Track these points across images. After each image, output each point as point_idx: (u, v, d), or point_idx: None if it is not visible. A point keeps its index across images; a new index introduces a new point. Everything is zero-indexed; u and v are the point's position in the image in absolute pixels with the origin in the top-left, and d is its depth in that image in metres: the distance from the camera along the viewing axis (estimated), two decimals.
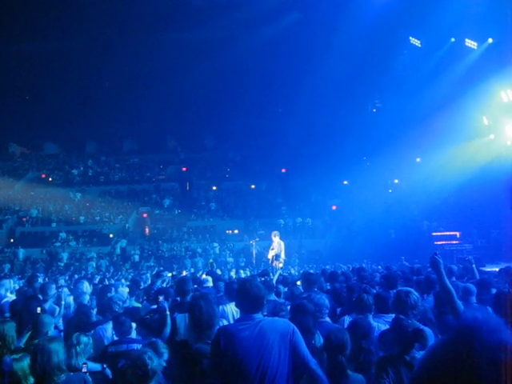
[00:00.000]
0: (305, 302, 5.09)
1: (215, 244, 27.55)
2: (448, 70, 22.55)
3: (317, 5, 25.75)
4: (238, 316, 5.07)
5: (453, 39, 22.54)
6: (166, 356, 4.73)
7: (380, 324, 5.40)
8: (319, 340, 4.72)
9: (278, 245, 17.28)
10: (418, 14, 22.15)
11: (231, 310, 6.43)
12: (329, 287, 8.23)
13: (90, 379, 4.29)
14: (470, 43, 21.54)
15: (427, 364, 1.12)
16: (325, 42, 26.33)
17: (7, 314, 6.75)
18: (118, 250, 27.88)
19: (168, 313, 5.96)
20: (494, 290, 6.31)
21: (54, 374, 3.83)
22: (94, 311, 6.94)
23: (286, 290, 8.52)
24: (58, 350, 3.91)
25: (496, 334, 1.03)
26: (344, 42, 25.07)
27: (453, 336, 1.09)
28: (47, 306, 6.99)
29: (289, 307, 5.90)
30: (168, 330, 5.79)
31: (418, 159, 28.52)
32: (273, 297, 7.48)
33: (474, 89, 20.50)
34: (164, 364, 4.56)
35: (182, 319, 5.66)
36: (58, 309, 7.27)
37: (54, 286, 8.62)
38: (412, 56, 24.93)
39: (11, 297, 8.79)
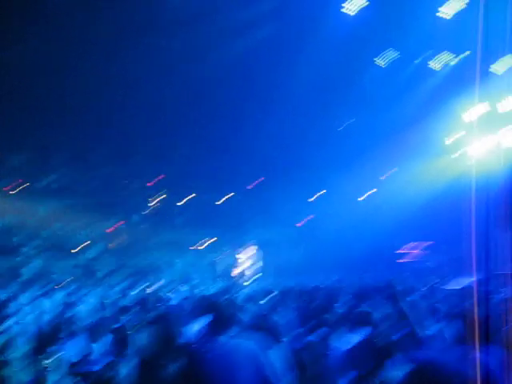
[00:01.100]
0: (266, 321, 5.10)
1: (182, 259, 27.38)
2: (412, 90, 23.06)
3: (288, 21, 26.01)
4: (203, 334, 5.05)
5: (418, 60, 23.07)
6: None
7: (340, 344, 5.41)
8: (281, 357, 4.73)
9: (245, 258, 17.30)
10: (383, 33, 22.61)
11: (197, 329, 6.38)
12: (294, 305, 8.23)
13: None
14: (434, 64, 22.08)
15: None
16: (295, 57, 26.57)
17: None
18: (90, 254, 27.66)
19: (130, 332, 5.89)
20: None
21: None
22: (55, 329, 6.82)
23: (253, 306, 8.47)
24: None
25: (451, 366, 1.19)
26: (315, 57, 25.36)
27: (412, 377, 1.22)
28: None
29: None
30: (130, 350, 5.72)
31: (383, 177, 28.94)
32: (239, 315, 7.45)
33: (438, 109, 21.00)
34: None
35: (144, 338, 5.60)
36: (16, 328, 7.12)
37: (12, 304, 8.48)
38: (379, 74, 25.36)
39: None
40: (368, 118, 26.27)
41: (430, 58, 22.06)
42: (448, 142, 23.34)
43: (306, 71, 25.75)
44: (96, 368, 5.01)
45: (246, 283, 15.93)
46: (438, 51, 21.37)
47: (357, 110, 28.01)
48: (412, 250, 23.31)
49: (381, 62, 24.63)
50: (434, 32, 20.20)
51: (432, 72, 22.36)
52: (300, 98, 28.04)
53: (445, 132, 23.34)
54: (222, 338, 3.71)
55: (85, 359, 5.31)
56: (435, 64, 22.07)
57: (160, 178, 35.40)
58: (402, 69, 23.74)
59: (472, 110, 20.20)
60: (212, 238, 29.74)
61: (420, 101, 22.40)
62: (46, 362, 4.82)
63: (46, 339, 6.16)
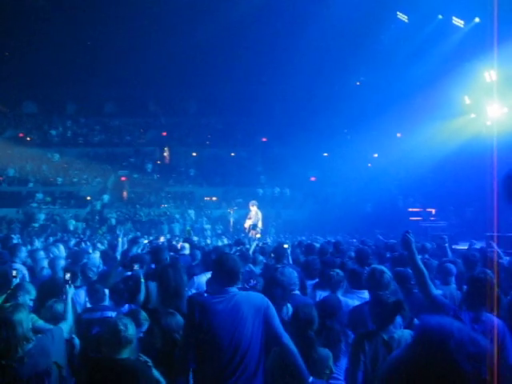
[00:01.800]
0: (276, 275, 5.15)
1: (190, 211, 27.55)
2: (434, 47, 22.51)
3: None
4: (213, 284, 5.12)
5: (440, 16, 22.47)
6: (145, 327, 4.73)
7: (351, 300, 5.46)
8: (288, 312, 4.79)
9: (255, 214, 17.37)
10: None
11: (207, 278, 6.45)
12: (303, 260, 8.28)
13: (61, 331, 4.26)
14: (457, 21, 21.52)
15: (399, 368, 1.15)
16: (311, 10, 26.03)
17: None
18: (99, 207, 27.96)
19: (142, 280, 5.98)
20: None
21: (19, 345, 3.70)
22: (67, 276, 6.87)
23: (262, 259, 8.55)
24: (21, 319, 3.74)
25: (464, 331, 1.09)
26: (331, 13, 24.80)
27: (420, 339, 1.14)
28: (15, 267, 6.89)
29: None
30: (142, 297, 5.82)
31: (399, 134, 28.67)
32: (249, 267, 7.54)
33: (458, 67, 20.55)
34: (141, 334, 4.56)
35: (154, 287, 5.68)
36: (26, 272, 7.22)
37: (24, 248, 8.58)
38: (399, 31, 24.74)
39: None
40: (385, 75, 25.82)
41: (454, 14, 21.46)
42: (465, 102, 22.98)
43: (324, 25, 25.22)
44: (108, 314, 5.11)
45: (256, 236, 15.98)
46: (462, 7, 20.74)
47: (374, 67, 27.56)
48: (422, 210, 23.26)
49: (403, 16, 24.05)
50: None
51: (455, 29, 21.81)
52: (316, 54, 27.61)
53: (464, 92, 22.95)
54: (231, 289, 3.75)
55: (97, 305, 5.40)
56: (459, 21, 21.50)
57: (170, 131, 35.36)
58: (424, 24, 23.17)
59: (493, 70, 19.78)
60: (224, 190, 29.86)
61: (441, 58, 21.93)
62: (59, 307, 4.88)
63: (58, 284, 6.24)
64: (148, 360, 3.77)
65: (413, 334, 1.19)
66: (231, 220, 22.84)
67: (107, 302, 5.62)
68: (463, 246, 12.35)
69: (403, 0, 23.35)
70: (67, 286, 5.06)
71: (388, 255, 8.41)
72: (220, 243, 15.38)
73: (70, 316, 4.74)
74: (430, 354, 1.06)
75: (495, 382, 1.04)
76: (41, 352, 3.85)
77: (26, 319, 3.81)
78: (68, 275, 5.17)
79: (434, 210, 22.76)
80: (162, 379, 3.74)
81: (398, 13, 24.18)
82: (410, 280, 5.46)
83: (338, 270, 5.89)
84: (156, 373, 3.75)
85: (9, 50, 31.57)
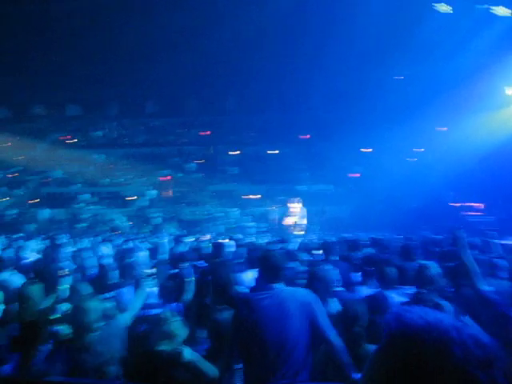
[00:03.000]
0: (316, 270, 5.11)
1: (235, 209, 27.63)
2: (477, 37, 22.01)
3: None
4: (257, 281, 5.13)
5: (484, 6, 21.95)
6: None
7: (397, 296, 5.37)
8: (334, 308, 4.75)
9: (299, 210, 17.32)
10: None
11: (252, 277, 6.46)
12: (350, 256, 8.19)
13: (124, 320, 4.51)
14: (501, 11, 20.97)
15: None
16: (351, 5, 25.79)
17: (30, 275, 6.86)
18: (147, 202, 28.43)
19: (190, 278, 6.04)
20: None
21: (87, 332, 3.97)
22: (116, 273, 7.01)
23: (307, 257, 8.52)
24: (92, 307, 4.04)
25: (463, 330, 0.91)
26: (372, 5, 24.53)
27: (406, 342, 0.92)
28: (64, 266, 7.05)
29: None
30: (189, 295, 5.87)
31: (443, 128, 28.12)
32: (293, 264, 7.50)
33: (503, 58, 20.03)
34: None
35: (205, 283, 5.74)
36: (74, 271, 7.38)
37: (72, 247, 8.76)
38: (441, 23, 24.30)
39: (36, 256, 8.92)
40: (429, 68, 25.37)
41: (495, 3, 20.92)
42: (508, 93, 22.40)
43: (362, 21, 24.97)
44: (154, 312, 5.16)
45: (299, 233, 15.93)
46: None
47: (416, 60, 27.11)
48: (470, 205, 22.78)
49: (444, 7, 23.56)
50: None
51: (498, 18, 21.26)
52: (357, 48, 27.32)
53: (508, 83, 22.37)
54: (277, 286, 3.74)
55: (143, 303, 5.45)
56: (501, 10, 20.95)
57: (212, 129, 35.57)
58: (464, 15, 22.66)
59: None
60: (267, 188, 29.84)
61: (483, 49, 21.41)
62: (106, 304, 4.97)
63: (105, 283, 6.35)
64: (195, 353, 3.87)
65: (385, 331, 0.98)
66: (275, 217, 22.82)
67: (154, 300, 5.68)
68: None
69: None
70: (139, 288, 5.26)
71: (436, 250, 8.24)
72: (264, 241, 15.38)
73: (137, 306, 4.96)
74: (429, 364, 0.87)
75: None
76: (105, 341, 4.07)
77: (97, 308, 4.11)
78: (149, 271, 5.42)
79: (482, 205, 22.26)
80: (210, 370, 3.83)
81: (440, 5, 23.70)
82: (460, 276, 5.34)
83: (391, 268, 5.81)
84: (205, 364, 3.84)
85: (52, 54, 32.30)
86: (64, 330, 4.48)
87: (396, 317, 0.97)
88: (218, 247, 7.42)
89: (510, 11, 20.73)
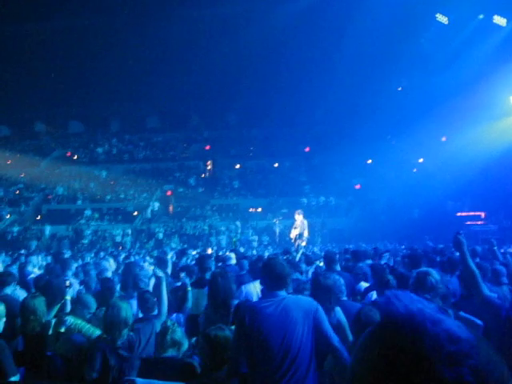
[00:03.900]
0: (320, 279, 5.11)
1: (238, 222, 27.64)
2: (475, 47, 22.15)
3: None
4: (261, 295, 5.15)
5: (481, 16, 22.09)
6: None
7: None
8: (338, 317, 4.74)
9: (301, 223, 17.28)
10: None
11: (255, 288, 6.47)
12: (352, 265, 8.22)
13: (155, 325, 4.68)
14: (499, 20, 21.10)
15: (362, 358, 0.91)
16: (350, 18, 25.96)
17: (33, 290, 6.88)
18: (149, 214, 28.47)
19: (189, 289, 6.08)
20: None
21: (121, 329, 4.24)
22: (118, 287, 7.05)
23: (309, 268, 8.54)
24: (125, 307, 4.32)
25: (439, 323, 0.85)
26: (370, 19, 24.71)
27: (385, 335, 0.88)
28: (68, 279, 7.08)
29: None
30: (189, 305, 5.91)
31: (444, 138, 28.17)
32: (296, 276, 7.51)
33: (502, 67, 20.12)
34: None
35: (200, 295, 5.77)
36: (76, 283, 7.41)
37: (75, 263, 8.77)
38: (439, 33, 24.47)
39: (38, 273, 8.94)
40: (427, 78, 25.48)
41: (496, 12, 21.06)
42: (510, 102, 22.48)
43: (361, 34, 25.15)
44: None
45: (303, 244, 15.91)
46: (504, 4, 20.34)
47: (415, 71, 27.24)
48: (471, 214, 22.77)
49: (443, 18, 23.71)
50: None
51: (497, 28, 21.39)
52: (356, 62, 27.50)
53: (508, 93, 22.46)
54: (281, 293, 3.76)
55: (147, 315, 5.47)
56: (501, 19, 21.08)
57: (213, 144, 35.68)
58: (464, 25, 22.81)
59: None
60: (268, 201, 29.88)
61: (483, 59, 21.53)
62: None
63: (108, 295, 6.36)
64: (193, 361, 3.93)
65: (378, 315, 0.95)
66: (277, 230, 22.83)
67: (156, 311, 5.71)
68: None
69: (442, 1, 23.06)
70: (161, 283, 5.41)
71: (438, 259, 8.27)
72: (266, 253, 15.40)
73: (163, 311, 5.16)
74: (400, 358, 0.83)
75: (480, 382, 0.79)
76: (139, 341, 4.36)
77: (129, 309, 4.40)
78: (160, 273, 5.54)
79: (483, 214, 22.24)
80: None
81: (438, 15, 23.88)
82: (465, 282, 5.36)
83: (391, 276, 5.84)
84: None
85: (54, 72, 32.53)
86: (94, 332, 4.62)
87: (384, 304, 0.92)
88: (201, 260, 7.46)
89: (505, 20, 20.86)
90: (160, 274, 5.56)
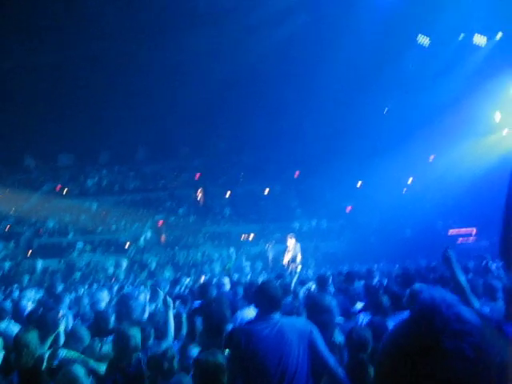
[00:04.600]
0: (320, 300, 5.13)
1: (231, 249, 27.58)
2: (458, 66, 22.52)
3: (325, 6, 25.80)
4: (257, 314, 5.14)
5: (462, 35, 22.51)
6: None
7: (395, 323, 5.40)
8: (338, 337, 4.76)
9: (293, 247, 17.32)
10: (426, 10, 22.11)
11: (250, 314, 6.47)
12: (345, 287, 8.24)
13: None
14: (479, 38, 21.51)
15: (391, 341, 1.19)
16: (334, 42, 26.30)
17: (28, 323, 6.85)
18: (141, 245, 28.32)
19: (184, 316, 6.09)
20: None
21: (132, 354, 4.50)
22: (113, 318, 7.02)
23: (304, 290, 8.55)
24: (135, 334, 4.59)
25: (453, 307, 1.10)
26: (353, 42, 25.05)
27: (414, 315, 1.17)
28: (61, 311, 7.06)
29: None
30: (183, 332, 5.90)
31: (432, 157, 28.42)
32: (289, 299, 7.52)
33: (485, 84, 20.44)
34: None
35: (200, 322, 5.75)
36: (70, 315, 7.39)
37: (68, 296, 8.73)
38: (422, 53, 24.86)
39: (32, 306, 8.88)
40: (412, 99, 25.80)
41: (476, 30, 21.49)
42: (496, 119, 22.76)
43: (345, 57, 25.51)
44: (153, 351, 5.18)
45: (295, 269, 15.93)
46: (483, 23, 20.76)
47: (399, 92, 27.58)
48: (462, 231, 22.88)
49: (424, 39, 24.12)
50: (478, 7, 19.68)
51: (477, 47, 21.79)
52: (341, 84, 27.82)
53: (492, 109, 22.76)
54: (275, 316, 3.78)
55: (143, 344, 5.46)
56: (479, 39, 21.50)
57: (203, 171, 35.76)
58: (446, 44, 23.22)
59: None
60: (260, 227, 29.86)
61: (465, 78, 21.88)
62: (105, 347, 5.07)
63: (103, 326, 6.35)
64: None
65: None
66: (270, 256, 22.78)
67: (151, 341, 5.69)
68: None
69: (423, 22, 23.47)
70: (168, 309, 5.78)
71: (431, 277, 8.31)
72: (260, 279, 15.36)
73: (170, 334, 5.49)
74: (419, 330, 1.10)
75: (481, 358, 1.04)
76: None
77: (138, 335, 4.67)
78: (169, 300, 5.88)
79: (474, 230, 22.34)
80: None
81: (419, 35, 24.30)
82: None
83: (384, 297, 5.87)
84: None
85: (42, 105, 32.61)
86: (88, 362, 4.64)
87: (421, 295, 1.20)
88: (205, 287, 7.49)
89: (485, 38, 21.27)
90: (169, 301, 5.84)
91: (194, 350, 5.07)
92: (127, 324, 4.81)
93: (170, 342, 5.29)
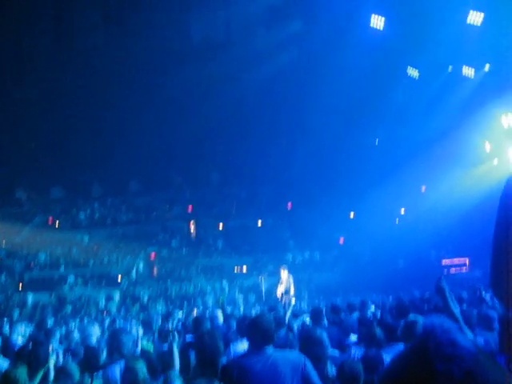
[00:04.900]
0: (313, 333, 5.09)
1: (224, 282, 27.42)
2: (448, 97, 22.82)
3: (315, 40, 26.23)
4: (250, 347, 5.08)
5: (450, 67, 22.87)
6: None
7: (388, 354, 5.35)
8: (331, 369, 4.71)
9: (286, 279, 17.24)
10: (415, 43, 22.48)
11: (243, 347, 6.41)
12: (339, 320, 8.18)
13: None
14: (468, 70, 21.85)
15: (389, 372, 1.25)
16: (325, 75, 26.66)
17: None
18: (133, 278, 28.08)
19: (175, 349, 6.03)
20: None
21: None
22: (104, 353, 6.94)
23: (297, 323, 8.49)
24: (142, 367, 4.57)
25: (448, 333, 1.13)
26: (343, 75, 25.39)
27: (413, 342, 1.22)
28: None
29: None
30: (176, 367, 5.83)
31: (423, 188, 28.56)
32: (284, 332, 7.46)
33: (475, 115, 20.70)
34: None
35: (193, 356, 5.69)
36: (60, 351, 7.29)
37: (59, 330, 8.63)
38: (411, 85, 25.19)
39: (22, 341, 8.78)
40: (403, 130, 26.05)
41: (464, 62, 21.87)
42: (486, 149, 22.98)
43: (335, 90, 25.80)
44: None
45: (288, 301, 15.82)
46: (471, 55, 21.13)
47: (390, 124, 27.83)
48: (455, 261, 22.89)
49: (414, 72, 24.48)
50: (466, 39, 20.04)
51: (466, 78, 22.14)
52: (332, 117, 28.11)
53: (482, 140, 23.00)
54: (268, 350, 3.74)
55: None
56: (469, 71, 21.85)
57: (195, 203, 35.72)
58: (435, 77, 23.57)
59: (510, 115, 19.91)
60: (253, 259, 29.74)
61: (455, 109, 22.17)
62: (94, 383, 5.02)
63: (93, 362, 6.27)
64: None
65: None
66: (263, 288, 22.66)
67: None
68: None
69: (412, 55, 23.84)
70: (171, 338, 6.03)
71: (425, 308, 8.28)
72: (253, 312, 15.23)
73: (176, 364, 5.60)
74: (416, 357, 1.14)
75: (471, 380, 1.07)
76: None
77: (144, 368, 4.65)
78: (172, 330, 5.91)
79: (467, 260, 22.35)
80: None
81: (408, 68, 24.66)
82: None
83: (378, 329, 5.83)
84: None
85: (33, 139, 32.69)
86: None
87: (423, 323, 1.24)
88: (198, 321, 7.42)
89: (473, 70, 21.60)
90: (174, 332, 6.07)
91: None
92: (133, 357, 4.80)
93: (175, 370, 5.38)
